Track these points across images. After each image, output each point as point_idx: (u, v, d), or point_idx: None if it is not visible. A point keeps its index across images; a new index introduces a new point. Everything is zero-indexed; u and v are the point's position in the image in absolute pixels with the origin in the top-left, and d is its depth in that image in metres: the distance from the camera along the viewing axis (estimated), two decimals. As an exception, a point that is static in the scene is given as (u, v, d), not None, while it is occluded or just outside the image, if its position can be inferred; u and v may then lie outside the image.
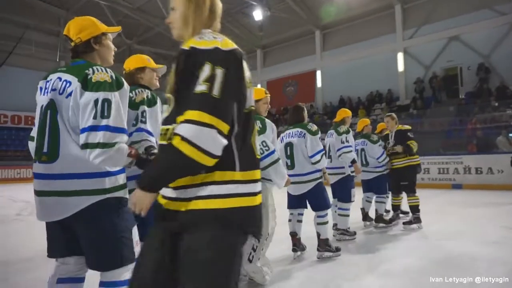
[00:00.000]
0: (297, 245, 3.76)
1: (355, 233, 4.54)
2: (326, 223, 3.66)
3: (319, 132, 3.71)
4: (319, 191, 3.65)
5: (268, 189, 2.90)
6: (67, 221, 1.60)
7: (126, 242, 1.62)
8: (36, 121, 1.71)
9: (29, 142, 1.81)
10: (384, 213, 5.42)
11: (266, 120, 3.03)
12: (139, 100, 2.08)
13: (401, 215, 5.70)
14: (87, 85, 1.57)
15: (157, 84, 2.38)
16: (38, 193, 1.65)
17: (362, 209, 5.43)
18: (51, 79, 1.69)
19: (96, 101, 1.53)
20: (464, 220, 5.56)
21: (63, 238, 1.67)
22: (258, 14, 16.80)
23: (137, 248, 1.66)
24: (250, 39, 21.99)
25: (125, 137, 1.59)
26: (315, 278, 3.10)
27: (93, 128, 1.50)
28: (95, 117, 1.51)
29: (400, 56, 16.81)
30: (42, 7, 21.40)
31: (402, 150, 5.08)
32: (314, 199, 3.67)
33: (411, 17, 16.61)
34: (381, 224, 5.22)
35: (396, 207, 5.49)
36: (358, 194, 4.77)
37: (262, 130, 2.92)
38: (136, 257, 1.62)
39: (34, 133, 1.76)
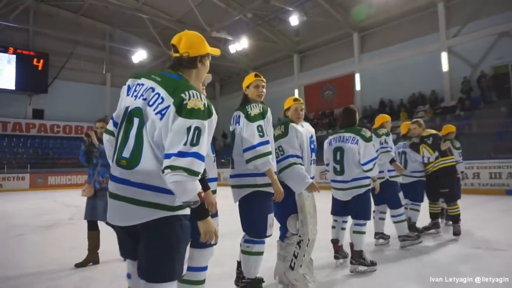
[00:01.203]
0: (339, 252, 3.68)
1: (419, 237, 4.50)
2: (363, 233, 3.50)
3: (372, 139, 3.60)
4: (365, 199, 3.52)
5: (304, 194, 2.84)
6: (133, 228, 1.63)
7: (180, 257, 1.62)
8: (118, 119, 1.73)
9: (104, 134, 1.84)
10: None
11: (291, 124, 2.99)
12: None
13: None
14: (181, 110, 1.53)
15: (204, 93, 2.32)
16: (111, 195, 1.66)
17: None
18: (143, 84, 1.69)
19: (188, 128, 1.51)
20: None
21: (129, 244, 1.71)
22: (294, 20, 16.79)
23: (185, 266, 1.65)
24: (287, 45, 22.02)
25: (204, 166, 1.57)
26: (357, 286, 3.02)
27: (181, 154, 1.48)
28: (185, 144, 1.49)
29: (444, 56, 16.06)
30: (90, 24, 22.78)
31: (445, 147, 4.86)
32: (358, 206, 3.52)
33: (455, 14, 15.84)
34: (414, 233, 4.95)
35: (434, 215, 5.10)
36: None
37: (283, 135, 2.91)
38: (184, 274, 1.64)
39: (110, 126, 1.78)
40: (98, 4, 19.55)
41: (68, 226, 6.63)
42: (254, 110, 2.58)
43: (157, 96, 1.60)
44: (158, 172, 1.54)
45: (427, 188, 5.02)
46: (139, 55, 22.76)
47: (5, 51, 21.24)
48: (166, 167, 1.48)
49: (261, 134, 2.50)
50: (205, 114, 1.58)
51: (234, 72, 26.66)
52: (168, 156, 1.50)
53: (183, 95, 1.56)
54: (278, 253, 2.91)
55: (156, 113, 1.57)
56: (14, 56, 21.47)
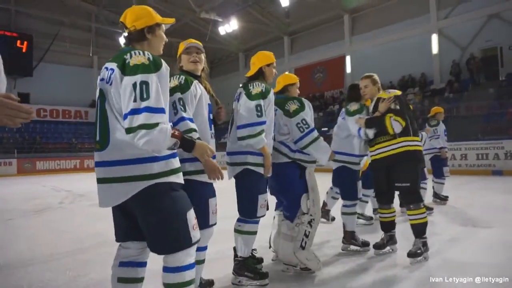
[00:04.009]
0: (323, 215, 4.03)
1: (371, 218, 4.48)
2: (352, 214, 3.44)
3: (361, 112, 3.29)
4: (346, 177, 3.44)
5: (313, 172, 2.85)
6: (127, 206, 1.66)
7: (180, 226, 1.63)
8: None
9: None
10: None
11: (303, 99, 2.93)
12: (171, 87, 1.99)
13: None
14: (125, 69, 1.56)
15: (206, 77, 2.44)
16: (97, 180, 1.69)
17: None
18: (104, 68, 1.73)
19: (134, 85, 1.52)
20: (496, 209, 5.31)
21: (123, 224, 1.76)
22: (284, 0, 16.53)
23: (194, 233, 1.67)
24: (277, 26, 21.74)
25: (165, 117, 1.56)
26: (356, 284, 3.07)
27: (135, 112, 1.49)
28: (135, 100, 1.50)
29: (434, 38, 16.07)
30: (74, 4, 22.09)
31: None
32: (340, 184, 3.60)
33: (446, -5, 15.78)
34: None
35: (387, 225, 3.28)
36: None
37: (301, 108, 2.82)
38: (194, 241, 1.66)
39: None
40: (83, -16, 18.91)
41: (58, 210, 6.58)
42: (256, 88, 2.54)
43: (110, 70, 1.64)
44: (128, 142, 1.56)
45: (375, 184, 3.37)
46: (127, 37, 22.24)
47: (-14, 32, 20.58)
48: (127, 131, 1.51)
49: (259, 113, 2.46)
50: (151, 67, 1.58)
51: (224, 54, 26.32)
52: (125, 117, 1.53)
53: (125, 56, 1.59)
54: (285, 234, 2.83)
55: (110, 84, 1.61)
56: (-4, 37, 20.82)
